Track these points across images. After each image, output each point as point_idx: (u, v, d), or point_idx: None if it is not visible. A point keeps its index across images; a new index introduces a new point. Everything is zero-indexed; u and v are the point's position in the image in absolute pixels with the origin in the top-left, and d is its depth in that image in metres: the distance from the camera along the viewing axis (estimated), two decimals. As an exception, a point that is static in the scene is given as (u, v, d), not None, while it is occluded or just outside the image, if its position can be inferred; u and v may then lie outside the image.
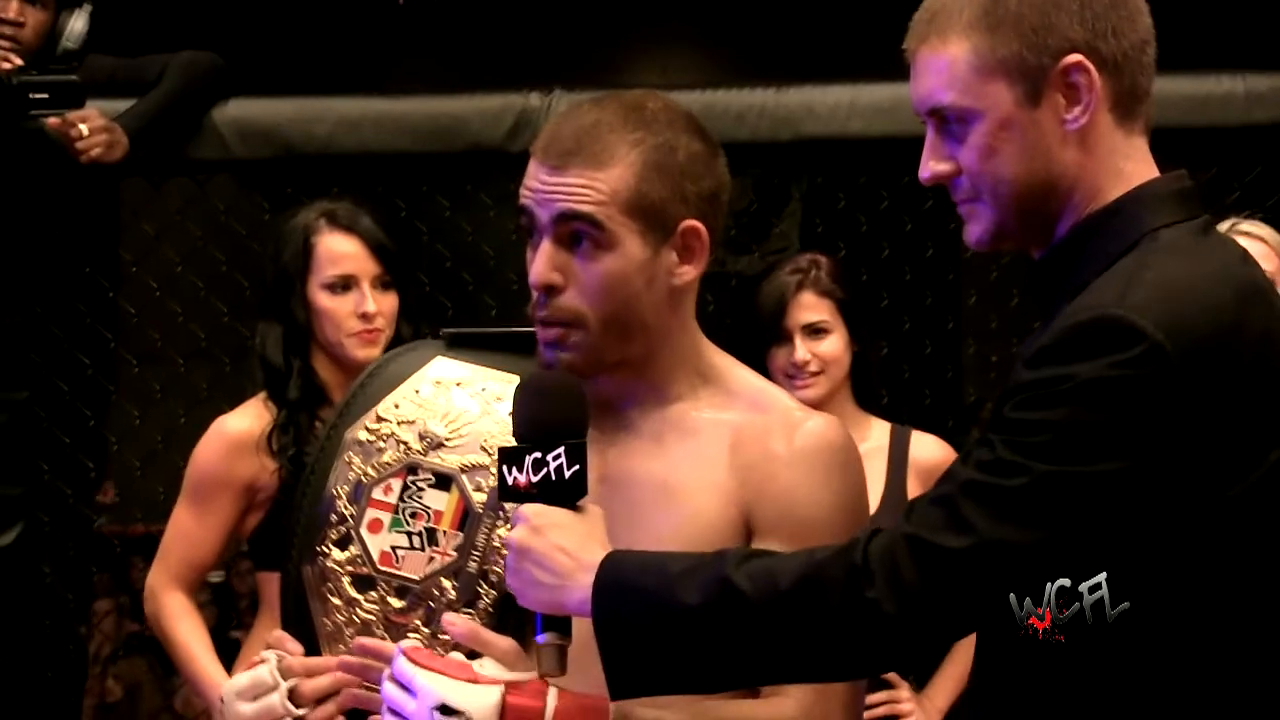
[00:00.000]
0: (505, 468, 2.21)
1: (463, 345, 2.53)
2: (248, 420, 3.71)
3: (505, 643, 2.25)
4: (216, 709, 3.66)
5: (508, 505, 2.28)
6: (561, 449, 2.19)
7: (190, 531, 3.73)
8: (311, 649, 2.45)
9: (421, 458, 2.45)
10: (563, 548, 2.15)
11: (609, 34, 10.66)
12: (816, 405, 3.91)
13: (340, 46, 9.61)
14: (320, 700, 2.44)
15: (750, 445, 2.36)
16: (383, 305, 3.68)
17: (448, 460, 2.44)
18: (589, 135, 2.30)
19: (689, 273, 2.37)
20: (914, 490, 3.93)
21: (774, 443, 2.35)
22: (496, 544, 2.40)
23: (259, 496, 3.69)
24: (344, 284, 3.68)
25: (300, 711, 2.41)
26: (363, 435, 2.47)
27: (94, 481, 5.18)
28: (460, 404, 2.47)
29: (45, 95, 4.31)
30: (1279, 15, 7.86)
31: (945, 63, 2.12)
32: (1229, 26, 8.21)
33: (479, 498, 2.42)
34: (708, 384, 2.42)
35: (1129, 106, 2.13)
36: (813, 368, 3.91)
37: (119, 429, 5.24)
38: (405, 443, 2.46)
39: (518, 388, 2.28)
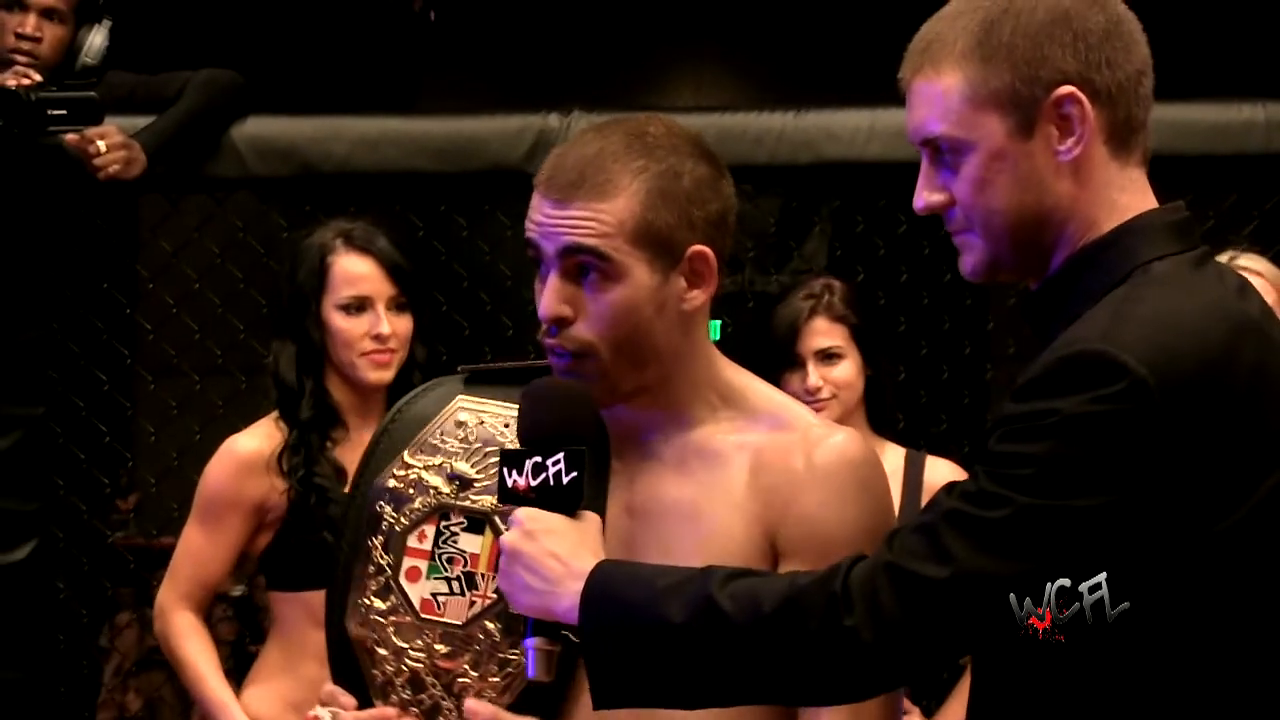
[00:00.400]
0: (505, 470, 2.22)
1: (481, 381, 2.51)
2: (258, 440, 3.72)
3: None
4: None
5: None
6: (561, 455, 2.20)
7: (200, 550, 3.73)
8: (364, 702, 2.44)
9: (452, 501, 2.43)
10: (554, 553, 2.16)
11: (642, 54, 10.68)
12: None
13: (371, 65, 9.63)
14: None
15: (772, 466, 2.34)
16: (397, 327, 3.68)
17: (478, 501, 2.43)
18: (592, 166, 2.29)
19: (699, 297, 2.36)
20: (928, 514, 3.89)
21: (794, 461, 2.33)
22: None
23: (269, 516, 3.69)
24: (359, 305, 3.67)
25: None
26: (391, 483, 2.46)
27: (108, 497, 5.19)
28: (485, 442, 2.45)
29: (63, 111, 4.31)
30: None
31: (938, 93, 2.12)
32: (1250, 55, 8.20)
33: None
34: (728, 405, 2.40)
35: (1124, 138, 2.12)
36: (825, 393, 3.90)
37: (135, 445, 5.24)
38: (434, 487, 2.44)
39: (523, 393, 2.28)
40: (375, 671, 2.44)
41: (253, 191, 4.94)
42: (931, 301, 5.47)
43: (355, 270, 3.69)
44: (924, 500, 3.90)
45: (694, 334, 2.39)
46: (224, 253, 5.15)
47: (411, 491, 2.45)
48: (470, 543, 2.42)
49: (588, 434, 2.24)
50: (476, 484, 2.43)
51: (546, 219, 2.30)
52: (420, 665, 2.42)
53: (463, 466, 2.44)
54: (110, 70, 4.65)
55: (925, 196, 2.17)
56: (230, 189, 4.86)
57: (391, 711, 2.42)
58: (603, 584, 2.12)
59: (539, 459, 2.20)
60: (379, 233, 3.74)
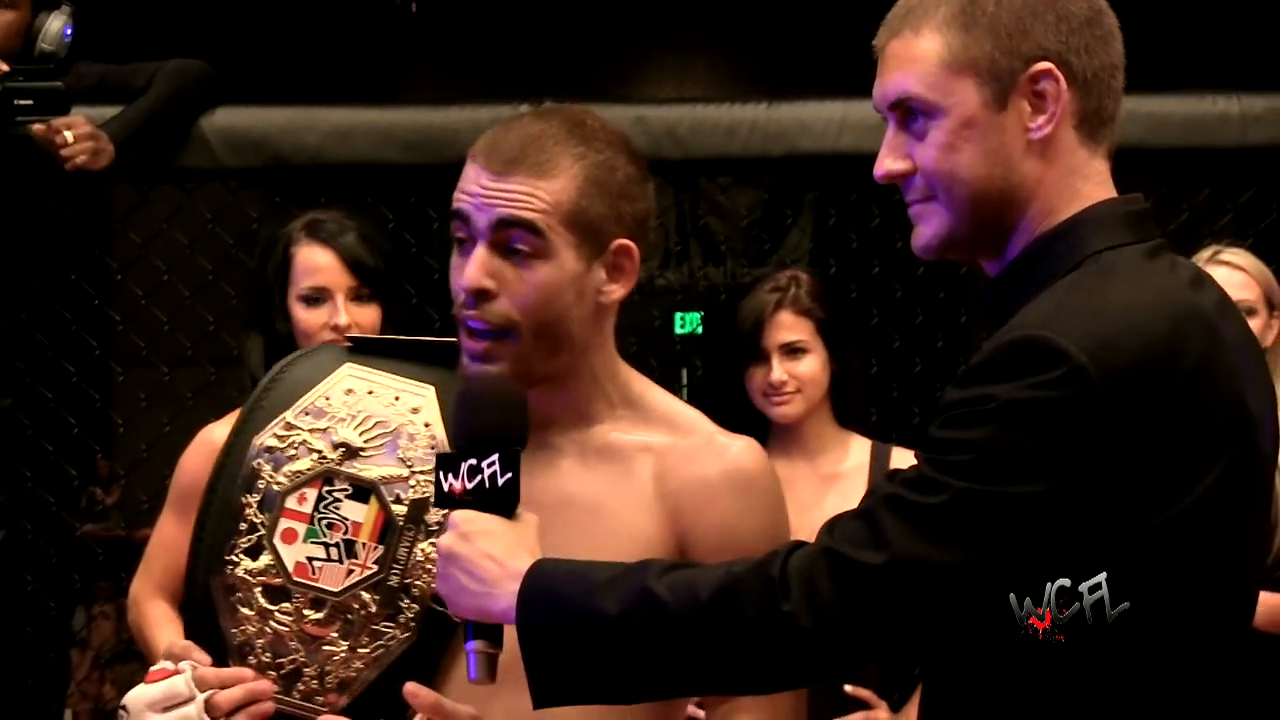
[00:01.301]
0: (441, 474, 2.20)
1: (369, 352, 2.51)
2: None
3: (465, 712, 2.25)
4: None
5: (441, 512, 2.26)
6: (496, 456, 2.18)
7: (174, 541, 3.69)
8: (219, 660, 2.40)
9: (338, 467, 2.41)
10: (490, 555, 2.14)
11: (625, 46, 10.68)
12: (794, 423, 3.92)
13: (353, 56, 9.61)
14: (232, 711, 2.39)
15: (678, 470, 2.38)
16: (358, 318, 3.65)
17: (366, 470, 2.41)
18: (534, 144, 2.31)
19: (616, 291, 2.38)
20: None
21: (703, 468, 2.38)
22: (419, 558, 2.38)
23: None
24: (317, 296, 3.65)
25: None
26: (271, 442, 2.44)
27: (78, 489, 5.17)
28: (374, 413, 2.44)
29: (30, 101, 4.30)
30: (1275, 36, 7.86)
31: (916, 55, 2.12)
32: (1225, 48, 8.20)
33: (399, 510, 2.39)
34: (625, 405, 2.43)
35: (1094, 127, 2.13)
36: (789, 388, 3.88)
37: (105, 437, 5.22)
38: (319, 451, 2.42)
39: (457, 393, 2.27)
40: (234, 630, 2.40)
41: (223, 183, 4.91)
42: (905, 294, 5.47)
43: (314, 261, 3.66)
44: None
45: (604, 328, 2.42)
46: (194, 244, 5.13)
47: (293, 453, 2.42)
48: (354, 510, 2.40)
49: (521, 435, 2.23)
50: (363, 454, 2.41)
51: (483, 190, 2.30)
52: (285, 629, 2.39)
53: (349, 434, 2.42)
54: (78, 60, 4.63)
55: (887, 164, 2.16)
56: (200, 180, 4.84)
57: (248, 673, 2.38)
58: (539, 582, 2.11)
59: (474, 461, 2.19)
60: (350, 225, 3.71)
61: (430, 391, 2.45)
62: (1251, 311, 4.00)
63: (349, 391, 2.45)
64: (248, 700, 2.37)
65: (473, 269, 2.29)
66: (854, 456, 3.98)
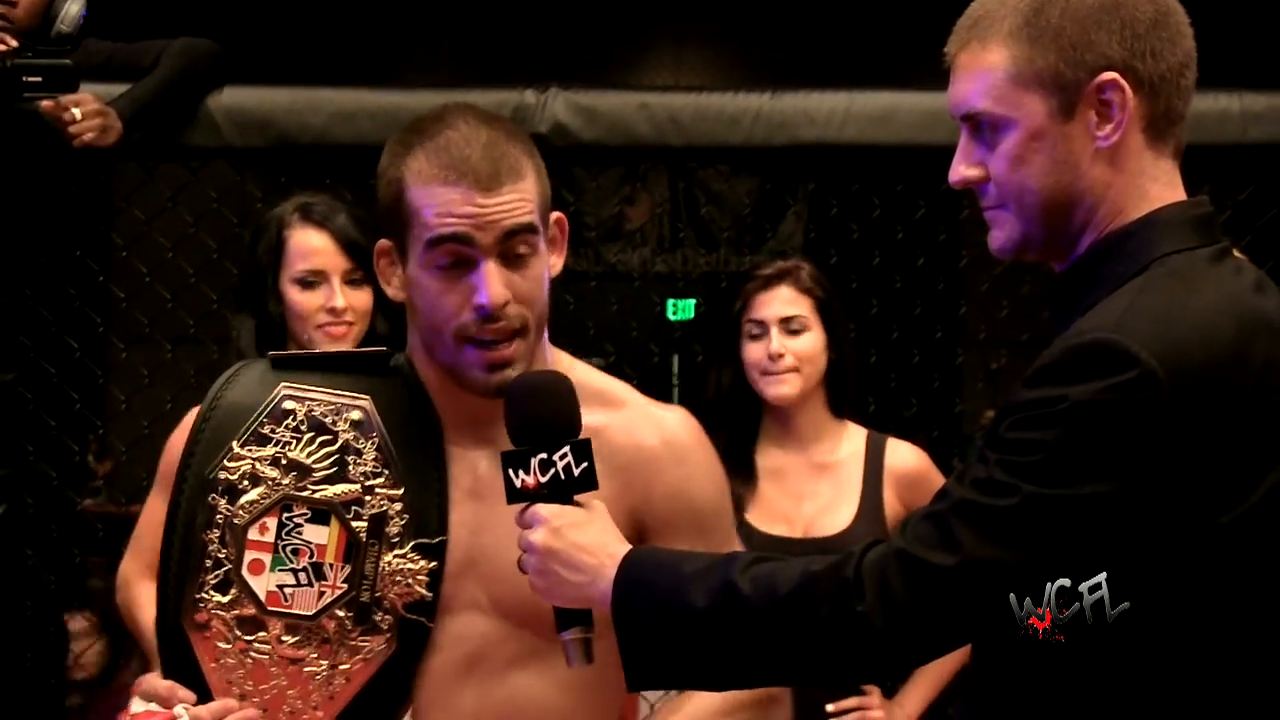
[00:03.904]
0: (511, 471, 2.24)
1: (291, 367, 2.50)
2: None
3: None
4: None
5: (516, 506, 2.28)
6: (567, 448, 2.23)
7: (163, 521, 3.71)
8: (202, 696, 2.41)
9: (293, 492, 2.42)
10: (583, 546, 2.20)
11: (625, 33, 10.68)
12: (788, 408, 3.93)
13: (353, 38, 9.61)
14: None
15: (622, 447, 2.45)
16: (353, 300, 3.67)
17: (321, 491, 2.41)
18: (496, 151, 2.36)
19: (558, 264, 2.47)
20: (890, 497, 3.94)
21: (644, 439, 2.46)
22: (385, 570, 2.39)
23: None
24: (313, 279, 3.67)
25: None
26: (222, 474, 2.43)
27: (79, 464, 5.18)
28: (317, 431, 2.44)
29: (39, 78, 4.30)
30: (1276, 34, 7.86)
31: (984, 69, 2.16)
32: (1226, 45, 8.21)
33: (360, 525, 2.40)
34: None
35: (1162, 129, 2.15)
36: (787, 362, 3.90)
37: (106, 413, 5.23)
38: (271, 479, 2.42)
39: (510, 391, 2.30)
40: (214, 665, 2.42)
41: (228, 162, 4.92)
42: (903, 285, 5.49)
43: (310, 244, 3.68)
44: (885, 482, 3.92)
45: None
46: (198, 223, 5.14)
47: (246, 484, 2.42)
48: (316, 534, 2.41)
49: (578, 424, 2.27)
50: (315, 473, 2.42)
51: (481, 209, 2.34)
52: (265, 657, 2.41)
53: (297, 455, 2.42)
54: (87, 38, 4.63)
55: (961, 171, 2.21)
56: (205, 159, 4.84)
57: (234, 704, 2.40)
58: (633, 572, 2.17)
59: (544, 455, 2.23)
60: (340, 207, 3.73)
61: (367, 401, 2.45)
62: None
63: (289, 412, 2.44)
64: None
65: (496, 286, 2.34)
66: (848, 446, 4.00)
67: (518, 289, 2.36)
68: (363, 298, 3.69)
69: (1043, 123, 2.13)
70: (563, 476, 2.22)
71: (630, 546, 2.21)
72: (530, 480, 2.23)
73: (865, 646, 2.03)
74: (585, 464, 2.23)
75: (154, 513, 3.69)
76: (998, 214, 2.20)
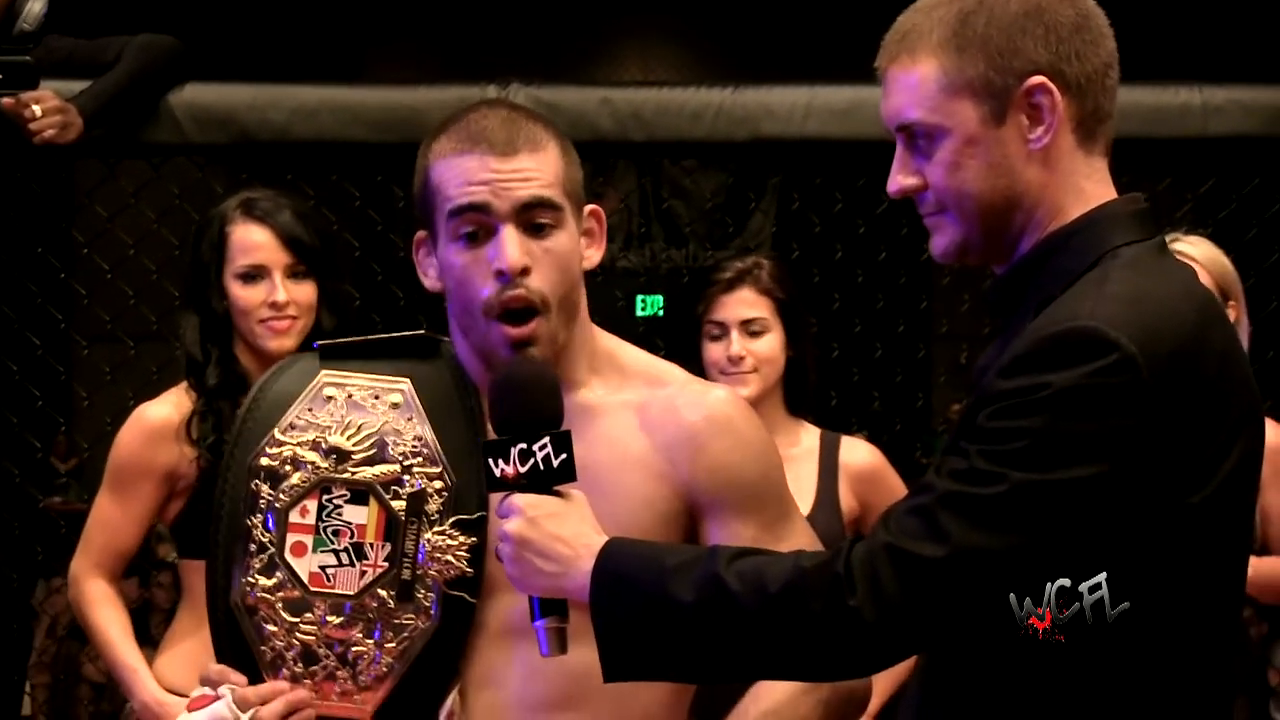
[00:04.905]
0: (491, 460, 2.24)
1: (337, 356, 2.54)
2: (167, 408, 3.72)
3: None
4: (135, 696, 3.67)
5: (495, 496, 2.30)
6: (547, 439, 2.23)
7: (112, 519, 3.72)
8: (253, 678, 2.44)
9: (332, 475, 2.45)
10: (559, 536, 2.20)
11: (591, 28, 10.68)
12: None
13: (317, 35, 9.60)
14: None
15: (665, 422, 2.44)
16: (295, 295, 3.67)
17: (359, 473, 2.45)
18: (516, 124, 2.39)
19: (594, 255, 2.48)
20: (845, 494, 4.00)
21: (687, 416, 2.45)
22: (427, 548, 2.42)
23: (180, 484, 3.70)
24: (255, 274, 3.67)
25: None
26: (265, 461, 2.46)
27: (41, 461, 5.17)
28: (356, 415, 2.47)
29: (-1, 75, 4.29)
30: (1237, 27, 7.89)
31: (914, 81, 2.18)
32: (1187, 38, 8.24)
33: (399, 505, 2.43)
34: (602, 365, 2.50)
35: (1091, 128, 2.18)
36: (747, 364, 3.93)
37: (69, 410, 5.22)
38: (311, 462, 2.45)
39: (494, 381, 2.30)
40: (264, 648, 2.45)
41: (190, 158, 4.91)
42: (866, 279, 5.50)
43: (251, 239, 3.69)
44: (839, 480, 3.97)
45: (584, 293, 2.47)
46: (160, 219, 5.13)
47: (288, 469, 2.46)
48: (355, 514, 2.44)
49: (560, 416, 2.27)
50: (354, 456, 2.45)
51: (498, 175, 2.36)
52: (312, 638, 2.44)
53: (337, 439, 2.46)
54: (48, 34, 4.62)
55: (900, 180, 2.22)
56: (168, 155, 4.84)
57: (284, 685, 2.43)
58: (611, 563, 2.17)
59: (524, 445, 2.23)
60: (285, 203, 3.74)
61: (406, 384, 2.49)
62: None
63: (329, 399, 2.49)
64: (289, 711, 2.41)
65: (513, 249, 2.35)
66: (804, 444, 4.04)
67: (538, 260, 2.36)
68: (305, 291, 3.69)
69: (976, 129, 2.15)
70: (542, 467, 2.22)
71: (607, 538, 2.21)
72: (510, 470, 2.23)
73: (858, 641, 2.04)
74: (565, 455, 2.23)
75: (102, 511, 3.71)
76: (938, 219, 2.21)
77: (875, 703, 3.97)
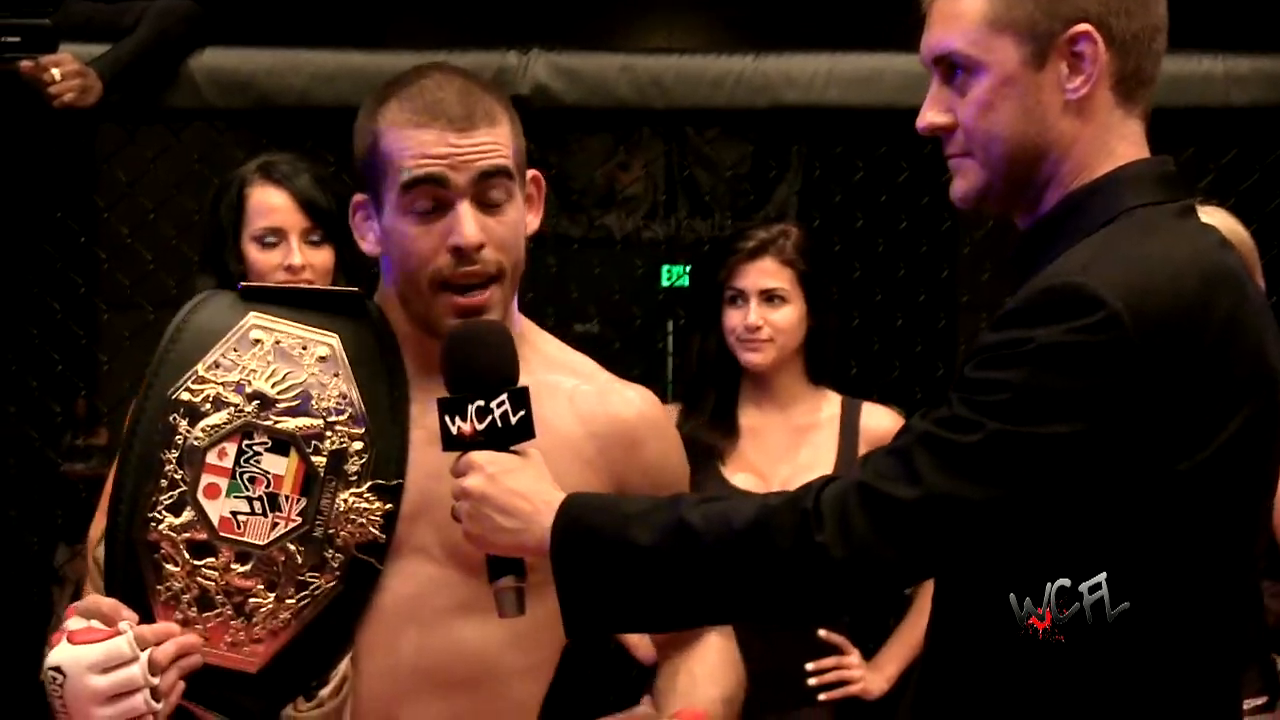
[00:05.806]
0: (448, 418, 2.23)
1: (264, 300, 2.49)
2: None
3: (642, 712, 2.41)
4: None
5: (452, 454, 2.27)
6: (505, 395, 2.23)
7: None
8: (144, 616, 2.37)
9: (254, 421, 2.40)
10: (519, 492, 2.20)
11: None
12: (764, 372, 3.95)
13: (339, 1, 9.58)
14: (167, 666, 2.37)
15: (596, 414, 2.48)
16: (311, 259, 3.65)
17: (282, 423, 2.41)
18: (472, 98, 2.39)
19: (534, 222, 2.49)
20: (865, 459, 3.95)
21: (623, 413, 2.50)
22: (341, 508, 2.39)
23: None
24: (272, 237, 3.66)
25: (155, 680, 2.32)
26: (185, 396, 2.41)
27: (61, 426, 5.18)
28: (283, 363, 2.43)
29: (17, 39, 4.29)
30: (1263, -3, 7.85)
31: (960, 11, 2.17)
32: (1210, 7, 8.20)
33: (319, 461, 2.40)
34: (528, 346, 2.48)
35: (1131, 88, 2.17)
36: (764, 334, 3.92)
37: (91, 376, 5.23)
38: (234, 404, 2.41)
39: (448, 337, 2.30)
40: (160, 587, 2.39)
41: (210, 123, 4.91)
42: (887, 248, 5.49)
43: (269, 202, 3.66)
44: (860, 446, 3.94)
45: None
46: (180, 184, 5.13)
47: (208, 407, 2.40)
48: (274, 464, 2.40)
49: (515, 373, 2.27)
50: (278, 405, 2.41)
51: (455, 148, 2.35)
52: (212, 584, 2.39)
53: (262, 385, 2.42)
54: (67, -1, 4.62)
55: (929, 117, 2.22)
56: (187, 120, 4.84)
57: (175, 628, 2.37)
58: (573, 514, 2.16)
59: (481, 402, 2.23)
60: (303, 166, 3.71)
61: (335, 339, 2.45)
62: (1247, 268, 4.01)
63: (256, 342, 2.44)
64: (180, 654, 2.35)
65: (471, 225, 2.34)
66: (826, 411, 4.03)
67: (493, 233, 2.36)
68: (322, 256, 3.67)
69: (1014, 69, 2.14)
70: (500, 425, 2.22)
71: (567, 494, 2.20)
72: (467, 428, 2.22)
73: (824, 579, 2.03)
74: (523, 412, 2.22)
75: None
76: (962, 161, 2.21)
77: (893, 669, 3.97)
